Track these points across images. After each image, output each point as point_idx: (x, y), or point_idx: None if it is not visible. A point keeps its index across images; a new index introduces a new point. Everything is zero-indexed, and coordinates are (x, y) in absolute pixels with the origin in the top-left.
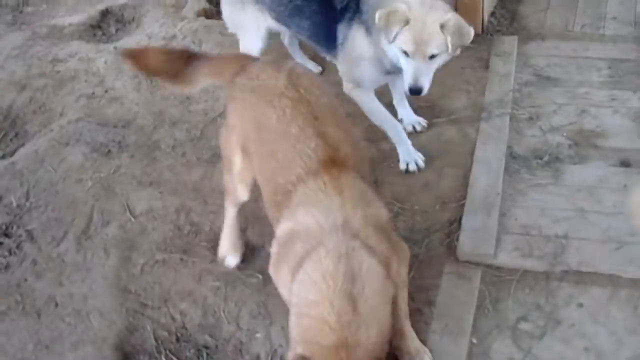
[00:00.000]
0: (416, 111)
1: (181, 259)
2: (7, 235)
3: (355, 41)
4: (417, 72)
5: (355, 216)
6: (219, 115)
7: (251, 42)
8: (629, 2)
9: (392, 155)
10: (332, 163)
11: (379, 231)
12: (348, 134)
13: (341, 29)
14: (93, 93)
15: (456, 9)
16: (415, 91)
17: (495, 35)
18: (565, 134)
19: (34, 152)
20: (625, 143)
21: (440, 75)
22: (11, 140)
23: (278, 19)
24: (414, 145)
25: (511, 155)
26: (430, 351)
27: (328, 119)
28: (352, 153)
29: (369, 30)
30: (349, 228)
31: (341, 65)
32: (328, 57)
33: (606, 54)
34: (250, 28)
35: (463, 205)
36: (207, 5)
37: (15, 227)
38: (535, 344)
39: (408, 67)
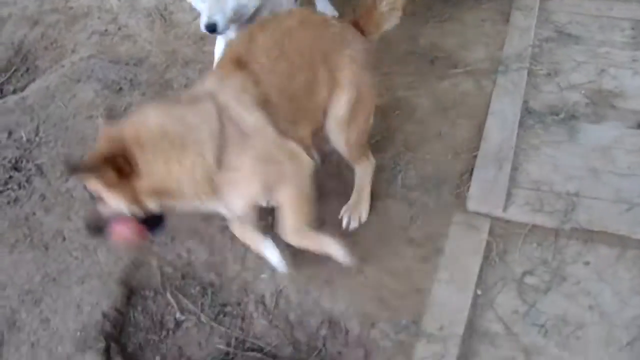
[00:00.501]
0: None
1: None
2: (16, 169)
3: None
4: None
5: None
6: None
7: None
8: None
9: (406, 103)
10: None
11: None
12: None
13: None
14: (106, 30)
15: None
16: (209, 28)
17: None
18: (583, 92)
19: (45, 88)
20: None
21: (459, 27)
22: (22, 75)
23: None
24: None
25: (527, 110)
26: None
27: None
28: None
29: None
30: None
31: None
32: None
33: (630, 14)
34: None
35: (475, 156)
36: None
37: (24, 162)
38: (539, 298)
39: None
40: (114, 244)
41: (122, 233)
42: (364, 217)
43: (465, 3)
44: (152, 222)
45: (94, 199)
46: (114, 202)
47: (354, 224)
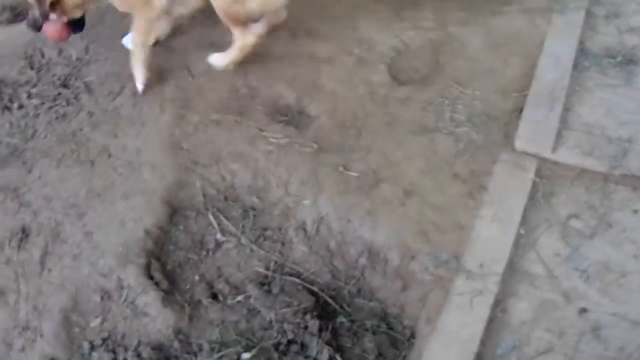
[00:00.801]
0: None
1: (235, 121)
2: (65, 86)
3: None
4: None
5: None
6: None
7: None
8: None
9: (457, 38)
10: None
11: None
12: None
13: None
14: None
15: None
16: None
17: None
18: None
19: (96, 9)
20: None
21: None
22: None
23: None
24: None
25: (582, 52)
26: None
27: None
28: None
29: None
30: None
31: None
32: None
33: None
34: None
35: (526, 96)
36: None
37: (73, 79)
38: (583, 243)
39: None
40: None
41: (52, 31)
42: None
43: None
44: (75, 24)
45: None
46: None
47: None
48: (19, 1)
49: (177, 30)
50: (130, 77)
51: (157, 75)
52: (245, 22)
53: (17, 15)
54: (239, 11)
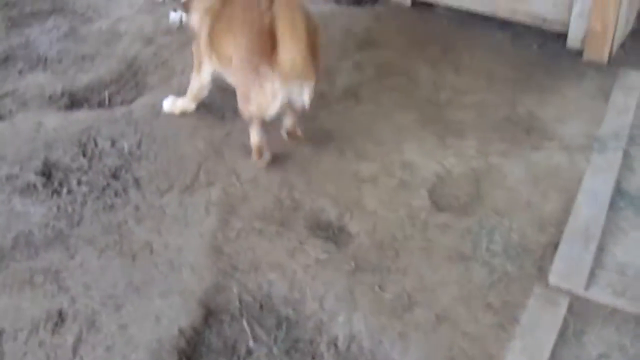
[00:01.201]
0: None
1: (277, 231)
2: (115, 177)
3: None
4: None
5: None
6: (335, 100)
7: None
8: None
9: (498, 169)
10: None
11: None
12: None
13: None
14: None
15: (586, 35)
16: None
17: (621, 68)
18: None
19: (152, 104)
20: None
21: (558, 99)
22: (131, 89)
23: None
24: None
25: (618, 192)
26: None
27: None
28: None
29: None
30: None
31: None
32: None
33: None
34: None
35: (562, 231)
36: None
37: (124, 172)
38: None
39: None
40: None
41: None
42: None
43: (567, 76)
44: None
45: None
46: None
47: None
48: (79, 87)
49: (228, 134)
50: (178, 177)
51: (206, 178)
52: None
53: (75, 101)
54: (242, 110)
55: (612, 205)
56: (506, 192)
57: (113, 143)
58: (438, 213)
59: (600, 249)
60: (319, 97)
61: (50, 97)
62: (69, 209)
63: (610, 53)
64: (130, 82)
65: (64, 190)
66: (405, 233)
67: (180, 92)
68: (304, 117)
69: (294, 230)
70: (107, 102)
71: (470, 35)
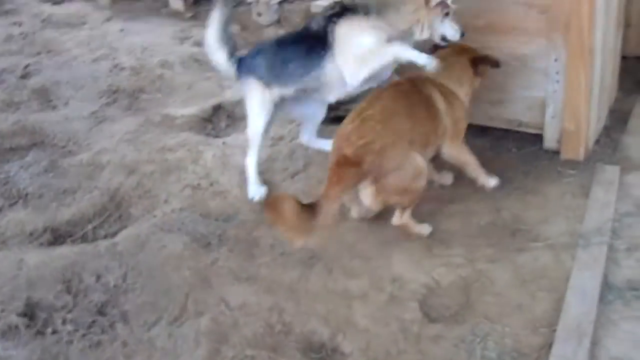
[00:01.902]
0: None
1: (270, 357)
2: (101, 313)
3: None
4: None
5: None
6: None
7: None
8: None
9: (486, 275)
10: None
11: None
12: None
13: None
14: (198, 184)
15: (561, 135)
16: None
17: (598, 163)
18: None
19: (136, 236)
20: None
21: (540, 200)
22: (114, 221)
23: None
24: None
25: (606, 285)
26: None
27: None
28: None
29: None
30: None
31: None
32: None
33: None
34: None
35: (554, 331)
36: None
37: (110, 307)
38: None
39: None
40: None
41: None
42: None
43: (547, 176)
44: None
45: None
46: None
47: None
48: (61, 222)
49: (214, 262)
50: (166, 308)
51: (194, 308)
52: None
53: (57, 236)
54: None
55: (602, 299)
56: (496, 298)
57: (98, 278)
58: (430, 324)
59: (594, 344)
60: None
61: (31, 234)
62: (54, 350)
63: (586, 150)
64: (113, 214)
65: (48, 330)
66: (399, 347)
67: (165, 223)
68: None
69: (286, 355)
70: (90, 236)
71: None
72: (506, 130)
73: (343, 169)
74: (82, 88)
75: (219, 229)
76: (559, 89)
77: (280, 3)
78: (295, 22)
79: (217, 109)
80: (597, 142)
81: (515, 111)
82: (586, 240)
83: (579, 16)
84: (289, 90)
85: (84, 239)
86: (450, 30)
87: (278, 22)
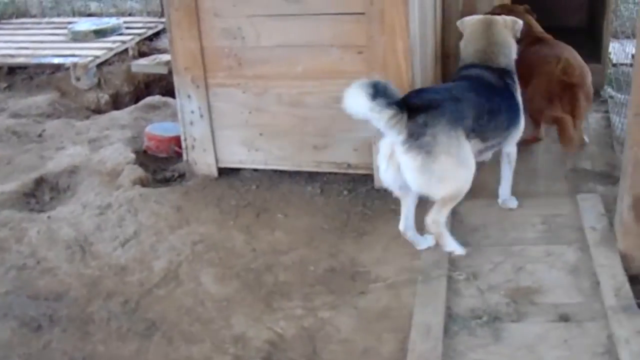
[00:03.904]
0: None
1: None
2: None
3: None
4: None
5: None
6: (155, 286)
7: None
8: (558, 158)
9: (329, 323)
10: None
11: None
12: None
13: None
14: (24, 264)
15: None
16: None
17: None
18: (502, 293)
19: None
20: (563, 298)
21: (377, 240)
22: None
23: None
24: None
25: (450, 317)
26: None
27: None
28: None
29: None
30: None
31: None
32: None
33: (539, 210)
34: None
35: None
36: (143, 174)
37: None
38: None
39: None
40: None
41: None
42: None
43: (381, 216)
44: None
45: None
46: None
47: None
48: None
49: (47, 345)
50: None
51: None
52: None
53: None
54: None
55: (447, 332)
56: (342, 345)
57: None
58: None
59: None
60: (138, 285)
61: None
62: None
63: None
64: None
65: None
66: None
67: None
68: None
69: None
70: None
71: (280, 194)
72: (336, 174)
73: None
74: None
75: (50, 309)
76: None
77: (98, 66)
78: (116, 84)
79: (40, 182)
80: None
81: (343, 154)
82: (425, 275)
83: (395, 55)
84: (483, 145)
85: None
86: None
87: (98, 85)
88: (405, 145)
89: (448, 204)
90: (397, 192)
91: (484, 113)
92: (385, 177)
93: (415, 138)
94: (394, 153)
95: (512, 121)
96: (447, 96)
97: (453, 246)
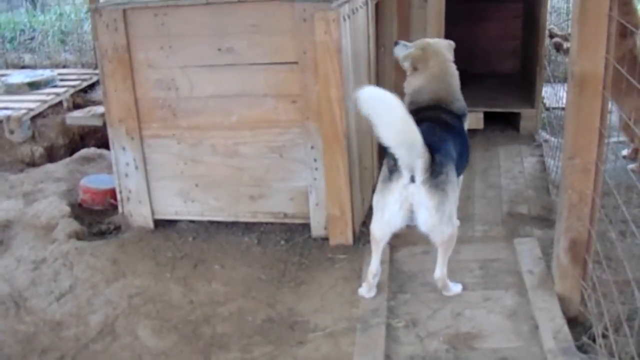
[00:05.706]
0: None
1: None
2: None
3: None
4: None
5: None
6: (91, 341)
7: None
8: (495, 202)
9: None
10: None
11: None
12: None
13: None
14: None
15: (328, 222)
16: None
17: (367, 245)
18: (442, 339)
19: None
20: (502, 342)
21: (314, 289)
22: None
23: None
24: None
25: None
26: None
27: None
28: None
29: None
30: None
31: None
32: None
33: (477, 255)
34: None
35: None
36: (78, 227)
37: None
38: None
39: None
40: None
41: None
42: None
43: (319, 264)
44: None
45: None
46: None
47: None
48: None
49: None
50: None
51: None
52: None
53: None
54: None
55: None
56: None
57: None
58: None
59: None
60: (74, 340)
61: None
62: None
63: (354, 233)
64: None
65: None
66: None
67: None
68: None
69: None
70: None
71: (217, 245)
72: (272, 224)
73: None
74: None
75: (36, 344)
76: (318, 176)
77: (32, 118)
78: (50, 137)
79: None
80: (364, 223)
81: (279, 203)
82: (364, 323)
83: (329, 103)
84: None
85: None
86: None
87: (32, 138)
88: (426, 185)
89: (449, 251)
90: (385, 238)
91: (461, 152)
92: (395, 219)
93: (434, 176)
94: (407, 193)
95: (468, 158)
96: (441, 137)
97: (455, 288)
